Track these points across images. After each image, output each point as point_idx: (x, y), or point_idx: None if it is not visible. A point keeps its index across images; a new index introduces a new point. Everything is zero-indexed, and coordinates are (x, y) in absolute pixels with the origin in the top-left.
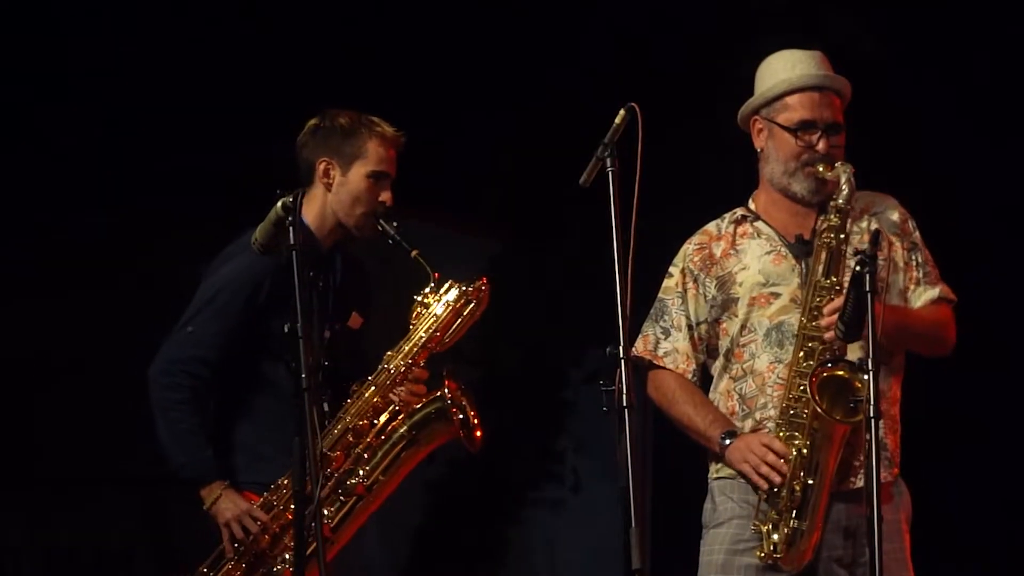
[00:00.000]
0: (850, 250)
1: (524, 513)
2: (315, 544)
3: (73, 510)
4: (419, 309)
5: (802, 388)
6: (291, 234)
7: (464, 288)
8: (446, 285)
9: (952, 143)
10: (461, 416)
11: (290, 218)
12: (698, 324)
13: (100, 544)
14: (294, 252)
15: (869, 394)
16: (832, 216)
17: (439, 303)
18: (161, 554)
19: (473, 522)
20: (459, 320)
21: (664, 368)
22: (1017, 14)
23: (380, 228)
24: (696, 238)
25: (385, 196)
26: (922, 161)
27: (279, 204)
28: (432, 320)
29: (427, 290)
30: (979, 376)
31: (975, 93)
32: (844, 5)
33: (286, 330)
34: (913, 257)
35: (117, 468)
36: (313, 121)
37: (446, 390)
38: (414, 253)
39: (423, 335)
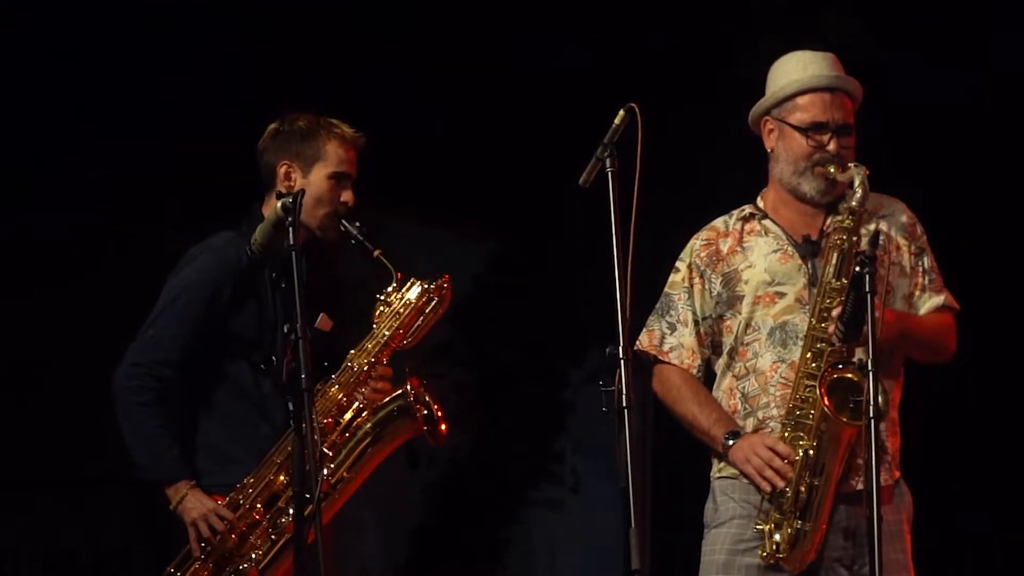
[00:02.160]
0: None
1: (524, 513)
2: (297, 541)
3: (72, 510)
4: (381, 308)
5: (809, 389)
6: (291, 235)
7: (426, 286)
8: (408, 283)
9: (951, 143)
10: (425, 412)
11: (290, 219)
12: (704, 319)
13: (99, 544)
14: (293, 252)
15: (868, 395)
16: (845, 218)
17: (401, 301)
18: (160, 554)
19: (473, 522)
20: (421, 318)
21: (669, 364)
22: (1018, 13)
23: (343, 229)
24: (703, 233)
25: (347, 196)
26: (922, 162)
27: (279, 205)
28: (394, 318)
29: (389, 288)
30: (981, 377)
31: (974, 94)
32: (844, 5)
33: (285, 330)
34: (920, 262)
35: (116, 468)
36: (273, 125)
37: (409, 387)
38: (376, 253)
39: (386, 333)
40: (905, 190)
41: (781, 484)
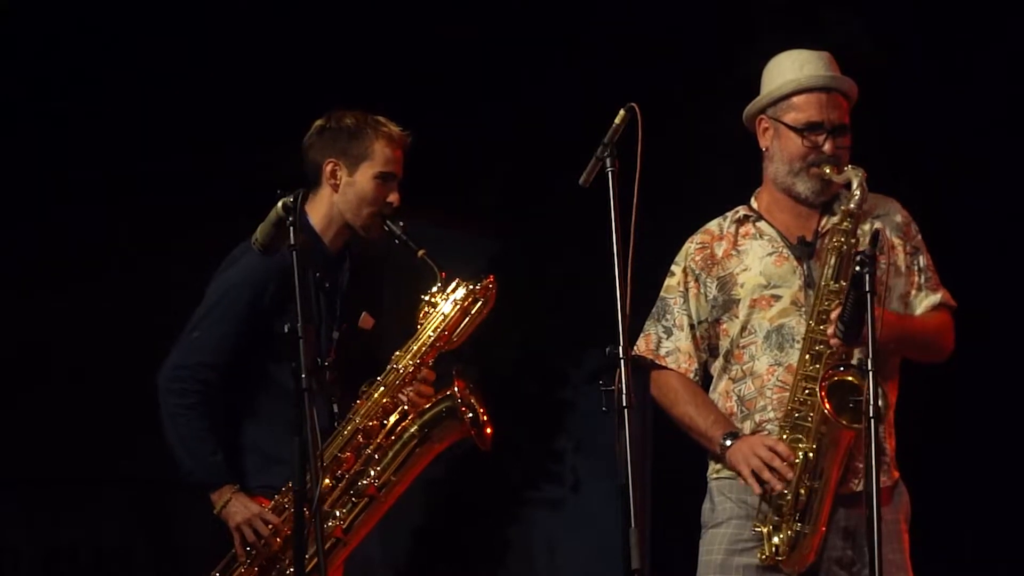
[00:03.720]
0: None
1: (524, 513)
2: (316, 545)
3: (72, 509)
4: (427, 308)
5: (808, 391)
6: (291, 234)
7: (471, 287)
8: (453, 284)
9: (951, 143)
10: (471, 415)
11: (290, 218)
12: (700, 323)
13: (99, 543)
14: (294, 252)
15: (868, 395)
16: (843, 220)
17: (447, 302)
18: (160, 553)
19: (473, 522)
20: (467, 319)
21: (666, 368)
22: (1017, 13)
23: (387, 228)
24: (698, 237)
25: (392, 197)
26: (920, 162)
27: (279, 204)
28: (440, 319)
29: (434, 289)
30: (978, 376)
31: (974, 93)
32: (844, 5)
33: (286, 330)
34: (915, 262)
35: (116, 468)
36: (319, 122)
37: (455, 389)
38: (421, 253)
39: (431, 334)
40: (903, 190)
41: (780, 487)
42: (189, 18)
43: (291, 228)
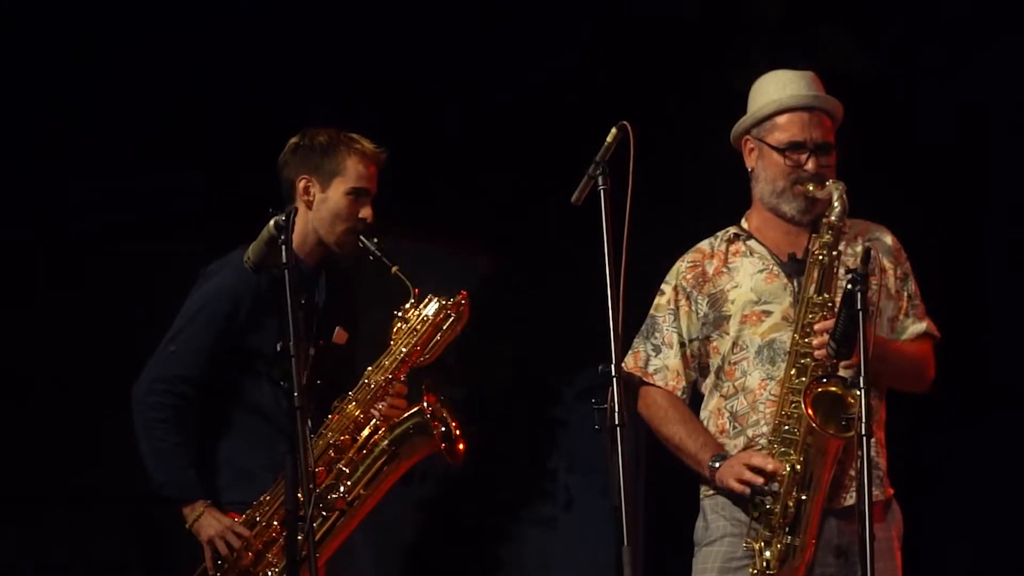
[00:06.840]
0: (842, 270)
1: (517, 531)
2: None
3: (65, 525)
4: (399, 324)
5: (794, 404)
6: (283, 253)
7: (444, 303)
8: (426, 300)
9: (947, 156)
10: (443, 429)
11: (283, 237)
12: (690, 341)
13: (92, 559)
14: (286, 271)
15: (860, 412)
16: (824, 233)
17: (419, 318)
18: (153, 569)
19: (466, 540)
20: (439, 335)
21: (654, 386)
22: (1011, 26)
23: (361, 244)
24: (689, 256)
25: (365, 213)
26: (915, 175)
27: (271, 223)
28: (412, 335)
29: (407, 305)
30: (969, 393)
31: (971, 106)
32: (837, 21)
33: (279, 348)
34: (905, 287)
35: (111, 485)
36: (293, 139)
37: (426, 404)
38: (394, 269)
39: (403, 350)
40: (899, 202)
41: (760, 481)
42: (180, 25)
43: (283, 247)
